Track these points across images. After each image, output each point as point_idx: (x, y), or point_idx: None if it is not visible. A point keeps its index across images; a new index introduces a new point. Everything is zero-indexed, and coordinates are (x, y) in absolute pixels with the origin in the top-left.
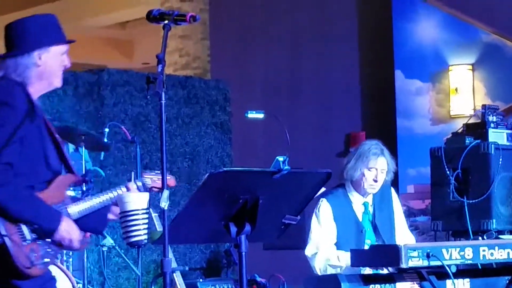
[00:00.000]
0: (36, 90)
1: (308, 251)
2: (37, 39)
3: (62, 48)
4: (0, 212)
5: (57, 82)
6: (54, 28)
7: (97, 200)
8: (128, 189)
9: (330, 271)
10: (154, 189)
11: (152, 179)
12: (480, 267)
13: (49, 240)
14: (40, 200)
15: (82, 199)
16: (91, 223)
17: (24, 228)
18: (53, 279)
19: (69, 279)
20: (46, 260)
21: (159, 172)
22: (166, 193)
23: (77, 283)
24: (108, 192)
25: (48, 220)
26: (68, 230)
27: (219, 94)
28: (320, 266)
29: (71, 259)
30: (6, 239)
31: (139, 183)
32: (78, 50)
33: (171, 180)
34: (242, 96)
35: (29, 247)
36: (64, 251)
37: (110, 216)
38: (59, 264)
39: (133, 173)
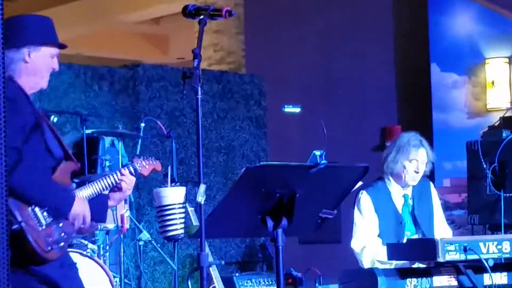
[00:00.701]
0: (25, 85)
1: (356, 246)
2: (29, 37)
3: (53, 50)
4: (17, 194)
5: (43, 83)
6: (48, 30)
7: (100, 185)
8: (122, 174)
9: (378, 266)
10: (143, 174)
11: (142, 164)
12: None
13: (61, 225)
14: (53, 182)
15: (86, 185)
16: (93, 211)
17: (39, 213)
18: (74, 265)
19: (106, 273)
20: (61, 244)
21: (149, 158)
22: (202, 187)
23: (114, 277)
24: (108, 176)
25: (63, 200)
26: (82, 210)
27: (254, 88)
28: (368, 261)
29: (107, 254)
30: (23, 225)
31: (131, 168)
32: (113, 46)
33: (156, 165)
34: (277, 91)
35: (44, 232)
36: (101, 245)
37: (111, 202)
38: (96, 258)
39: (169, 168)
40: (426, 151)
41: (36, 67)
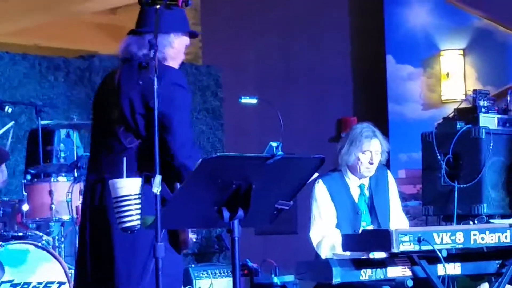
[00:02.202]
0: None
1: (313, 238)
2: (175, 24)
3: (188, 40)
4: None
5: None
6: (186, 20)
7: None
8: None
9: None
10: None
11: None
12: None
13: None
14: None
15: None
16: None
17: None
18: None
19: (61, 265)
20: None
21: None
22: (158, 178)
23: (69, 269)
24: None
25: None
26: None
27: (211, 79)
28: (326, 254)
29: (63, 245)
30: None
31: None
32: (70, 36)
33: None
34: (234, 82)
35: None
36: (56, 237)
37: None
38: (51, 250)
39: (124, 158)
40: (379, 142)
41: (178, 53)
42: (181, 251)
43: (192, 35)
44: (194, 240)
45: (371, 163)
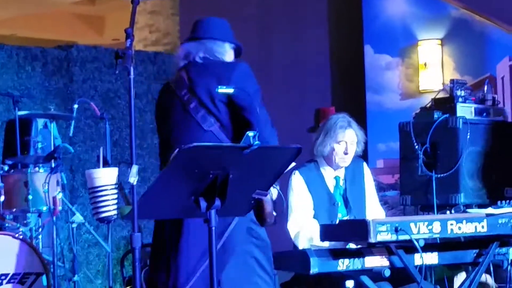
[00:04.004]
0: None
1: (291, 229)
2: (228, 35)
3: (232, 54)
4: None
5: None
6: (231, 34)
7: None
8: None
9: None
10: None
11: None
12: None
13: None
14: None
15: None
16: None
17: None
18: None
19: (39, 256)
20: None
21: None
22: (135, 168)
23: (47, 260)
24: None
25: None
26: None
27: None
28: (304, 245)
29: (40, 236)
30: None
31: None
32: (49, 27)
33: None
34: None
35: None
36: (34, 228)
37: None
38: (28, 241)
39: (101, 149)
40: (354, 132)
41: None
42: (265, 224)
43: (237, 52)
44: (275, 214)
45: (346, 154)
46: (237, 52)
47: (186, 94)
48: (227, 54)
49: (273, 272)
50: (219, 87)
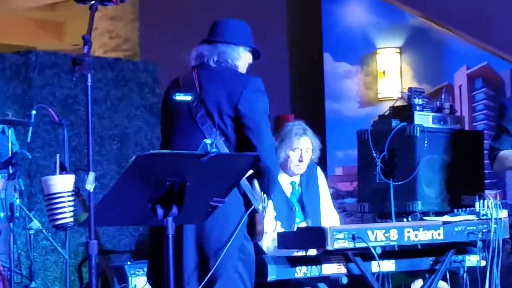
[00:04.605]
0: None
1: None
2: (243, 39)
3: (250, 58)
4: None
5: None
6: (251, 38)
7: None
8: None
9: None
10: None
11: None
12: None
13: None
14: None
15: None
16: None
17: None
18: None
19: None
20: None
21: None
22: (91, 175)
23: (4, 266)
24: None
25: None
26: None
27: (148, 76)
28: (267, 246)
29: None
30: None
31: None
32: (8, 32)
33: None
34: (172, 79)
35: None
36: None
37: None
38: None
39: (58, 155)
40: (310, 139)
41: (243, 67)
42: (254, 240)
43: (256, 54)
44: (265, 232)
45: (301, 161)
46: (256, 54)
47: (194, 101)
48: (242, 58)
49: (252, 286)
50: (177, 94)
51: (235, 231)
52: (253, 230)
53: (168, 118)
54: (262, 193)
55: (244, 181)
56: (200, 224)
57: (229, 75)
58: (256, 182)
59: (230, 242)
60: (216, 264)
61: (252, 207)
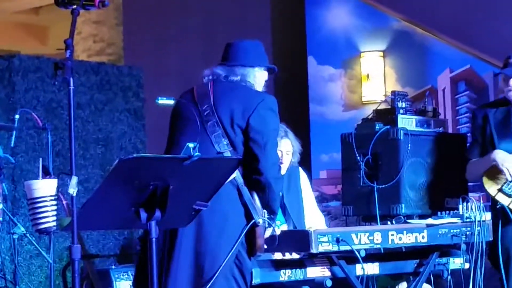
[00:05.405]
0: None
1: None
2: (257, 59)
3: (266, 75)
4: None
5: None
6: (265, 56)
7: None
8: None
9: None
10: None
11: None
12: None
13: None
14: None
15: None
16: None
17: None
18: None
19: None
20: None
21: None
22: (74, 179)
23: None
24: None
25: None
26: None
27: (132, 80)
28: None
29: None
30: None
31: None
32: None
33: None
34: (156, 82)
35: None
36: None
37: None
38: None
39: (40, 159)
40: (290, 142)
41: (259, 85)
42: (253, 255)
43: (271, 70)
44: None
45: (281, 163)
46: (271, 70)
47: (207, 110)
48: (257, 78)
49: None
50: (159, 98)
51: (235, 245)
52: (253, 244)
53: (178, 123)
54: (261, 208)
55: (246, 193)
56: (198, 229)
57: (245, 90)
58: (256, 196)
59: (228, 257)
60: (214, 277)
61: (253, 221)
